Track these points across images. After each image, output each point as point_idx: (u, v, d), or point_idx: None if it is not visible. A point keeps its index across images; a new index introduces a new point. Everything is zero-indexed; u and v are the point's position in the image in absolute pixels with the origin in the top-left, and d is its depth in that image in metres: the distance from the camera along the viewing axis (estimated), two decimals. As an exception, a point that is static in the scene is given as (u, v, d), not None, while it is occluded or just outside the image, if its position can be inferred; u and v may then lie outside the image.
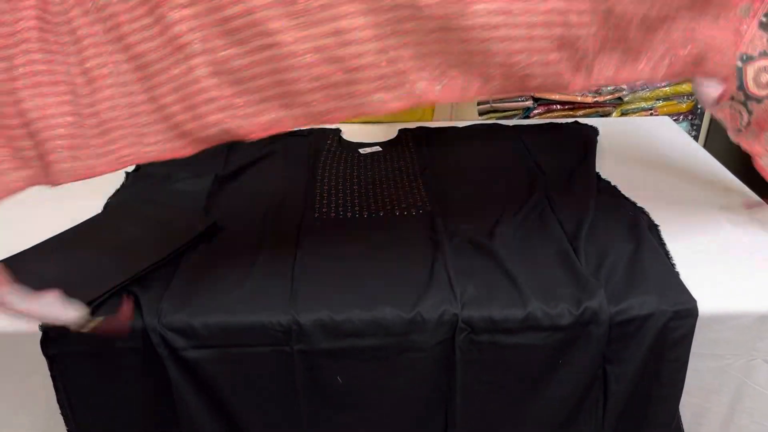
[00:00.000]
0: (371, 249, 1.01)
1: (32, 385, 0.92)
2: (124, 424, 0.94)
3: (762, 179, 1.08)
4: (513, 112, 2.11)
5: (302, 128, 1.45)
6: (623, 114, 2.22)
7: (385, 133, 1.41)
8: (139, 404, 0.93)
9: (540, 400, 0.93)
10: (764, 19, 0.89)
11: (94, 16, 0.74)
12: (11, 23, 0.74)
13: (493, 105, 2.18)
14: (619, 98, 2.22)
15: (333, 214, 1.11)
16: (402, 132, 1.41)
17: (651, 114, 2.19)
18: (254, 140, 0.77)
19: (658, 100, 2.24)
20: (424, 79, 0.74)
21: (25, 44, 0.74)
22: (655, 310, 0.88)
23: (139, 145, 0.77)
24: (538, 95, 2.22)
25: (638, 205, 1.12)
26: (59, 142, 0.76)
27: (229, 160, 1.29)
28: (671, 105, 2.26)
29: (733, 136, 1.01)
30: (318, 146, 1.35)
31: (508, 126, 1.44)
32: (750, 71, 0.90)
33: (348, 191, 1.18)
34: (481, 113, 2.08)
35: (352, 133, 1.42)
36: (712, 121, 2.65)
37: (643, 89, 2.20)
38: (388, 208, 1.13)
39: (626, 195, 1.16)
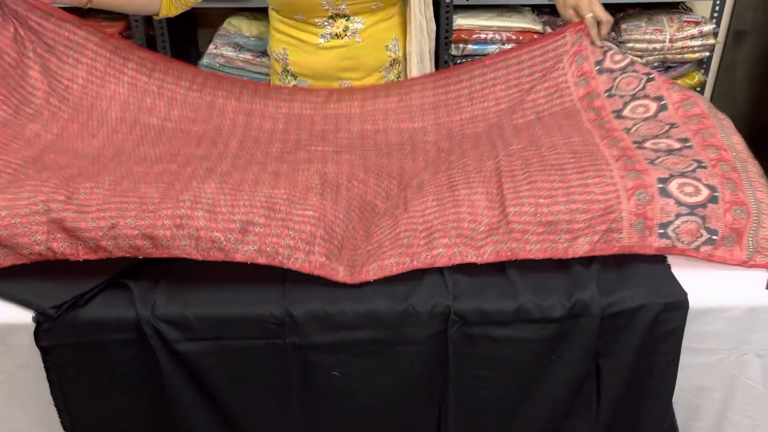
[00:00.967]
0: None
1: (26, 377, 0.92)
2: (118, 416, 0.95)
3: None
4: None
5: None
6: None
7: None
8: (133, 396, 0.93)
9: (533, 394, 0.93)
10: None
11: None
12: None
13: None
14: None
15: (327, 208, 1.11)
16: None
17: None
18: None
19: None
20: None
21: None
22: (646, 303, 0.89)
23: None
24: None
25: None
26: None
27: (223, 154, 1.29)
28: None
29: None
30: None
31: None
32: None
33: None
34: None
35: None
36: (708, 117, 2.66)
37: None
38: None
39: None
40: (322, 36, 1.41)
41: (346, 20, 1.40)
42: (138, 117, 1.21)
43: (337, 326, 0.88)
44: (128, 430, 0.97)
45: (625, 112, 1.12)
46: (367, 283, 0.91)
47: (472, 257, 0.91)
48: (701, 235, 0.91)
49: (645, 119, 1.10)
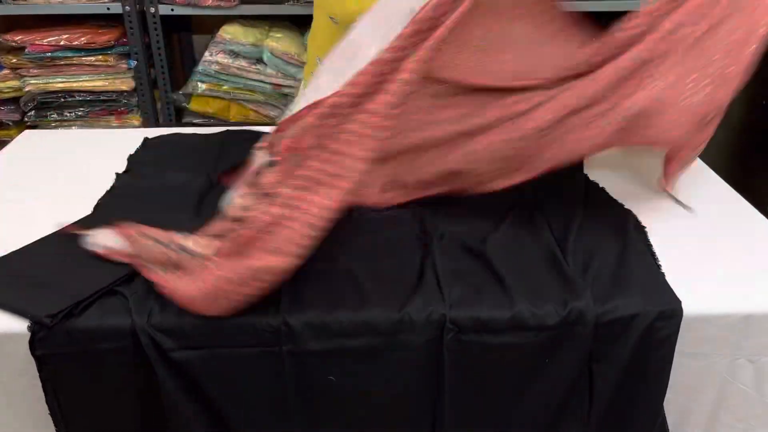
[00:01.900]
0: (360, 249, 1.01)
1: (21, 387, 0.91)
2: (113, 425, 0.94)
3: (750, 181, 1.09)
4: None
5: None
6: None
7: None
8: (128, 405, 0.93)
9: (526, 400, 0.93)
10: None
11: None
12: None
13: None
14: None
15: (323, 216, 1.11)
16: None
17: (640, 116, 2.20)
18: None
19: (647, 102, 2.25)
20: None
21: None
22: (640, 311, 0.89)
23: None
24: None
25: (625, 207, 1.13)
26: None
27: (220, 160, 1.29)
28: (661, 107, 2.27)
29: None
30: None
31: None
32: None
33: (338, 192, 1.18)
34: None
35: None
36: (701, 124, 2.67)
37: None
38: (378, 208, 1.13)
39: (614, 197, 1.17)
40: None
41: None
42: None
43: (333, 334, 0.88)
44: (124, 439, 0.97)
45: None
46: (362, 291, 0.91)
47: None
48: None
49: None
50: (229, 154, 1.32)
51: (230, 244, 0.90)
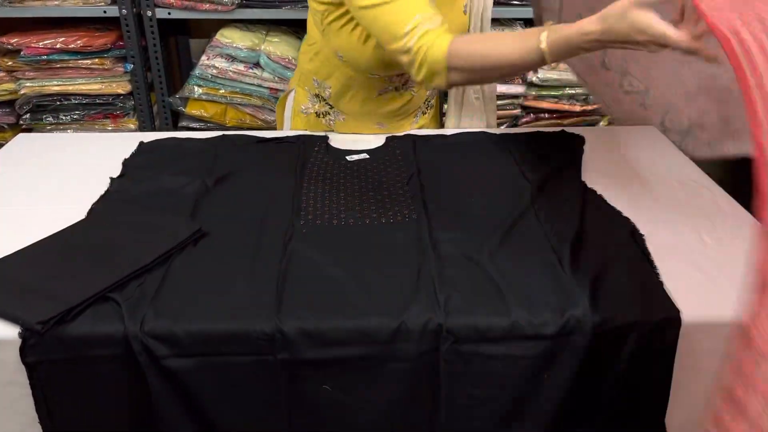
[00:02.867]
0: (356, 257, 1.01)
1: (11, 394, 0.90)
2: (104, 433, 0.93)
3: (747, 189, 1.09)
4: (501, 120, 2.12)
5: (289, 134, 1.45)
6: (610, 123, 2.24)
7: (373, 140, 1.41)
8: (120, 413, 0.92)
9: (525, 409, 0.92)
10: None
11: None
12: None
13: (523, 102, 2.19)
14: (607, 107, 2.23)
15: (319, 222, 1.11)
16: (389, 140, 1.41)
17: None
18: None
19: (645, 109, 2.25)
20: None
21: None
22: (638, 320, 0.88)
23: None
24: (526, 104, 2.24)
25: (623, 214, 1.13)
26: None
27: (215, 165, 1.28)
28: (658, 114, 2.27)
29: None
30: (305, 153, 1.34)
31: (495, 134, 1.44)
32: None
33: (335, 198, 1.18)
34: (508, 117, 2.07)
35: (339, 140, 1.41)
36: (699, 131, 2.68)
37: (630, 99, 2.21)
38: (374, 215, 1.13)
39: (612, 204, 1.16)
40: (384, 89, 1.36)
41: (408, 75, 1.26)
42: None
43: (329, 343, 0.87)
44: (115, 447, 0.95)
45: None
46: (358, 299, 0.90)
47: None
48: None
49: None
50: (225, 159, 1.32)
51: None
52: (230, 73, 2.14)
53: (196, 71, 2.16)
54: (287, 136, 1.43)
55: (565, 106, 2.19)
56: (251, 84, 2.15)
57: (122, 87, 2.15)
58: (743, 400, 0.61)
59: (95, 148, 1.41)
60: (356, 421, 0.92)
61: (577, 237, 1.04)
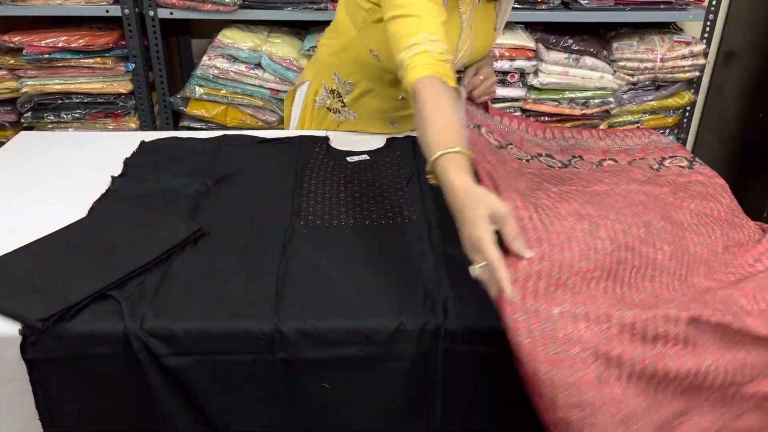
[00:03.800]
0: (356, 258, 1.01)
1: (11, 391, 0.91)
2: (103, 430, 0.94)
3: (748, 194, 1.09)
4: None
5: (290, 135, 1.45)
6: (610, 126, 2.24)
7: (373, 142, 1.41)
8: (119, 411, 0.92)
9: (521, 410, 0.93)
10: None
11: None
12: None
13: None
14: (607, 111, 2.24)
15: (319, 222, 1.11)
16: (389, 141, 1.41)
17: (638, 127, 2.22)
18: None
19: (644, 113, 2.26)
20: None
21: None
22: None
23: None
24: (526, 107, 2.24)
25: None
26: None
27: (216, 165, 1.29)
28: (658, 118, 2.29)
29: None
30: (306, 154, 1.35)
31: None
32: None
33: (335, 200, 1.18)
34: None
35: (340, 141, 1.42)
36: (698, 136, 2.69)
37: (630, 103, 2.22)
38: (374, 217, 1.13)
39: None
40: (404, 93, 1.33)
41: None
42: None
43: (327, 342, 0.88)
44: (114, 445, 0.96)
45: None
46: (357, 299, 0.91)
47: None
48: None
49: None
50: (226, 159, 1.32)
51: None
52: (231, 74, 2.14)
53: (198, 71, 2.16)
54: (288, 137, 1.43)
55: (565, 109, 2.20)
56: (252, 84, 2.16)
57: (124, 86, 2.15)
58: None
59: (97, 147, 1.42)
60: (353, 418, 0.92)
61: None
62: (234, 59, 2.14)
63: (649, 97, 2.21)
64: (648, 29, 2.20)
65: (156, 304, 0.90)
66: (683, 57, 2.13)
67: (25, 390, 0.90)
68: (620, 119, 2.25)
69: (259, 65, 2.15)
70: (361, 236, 1.07)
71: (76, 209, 1.13)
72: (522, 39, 2.12)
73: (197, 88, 2.19)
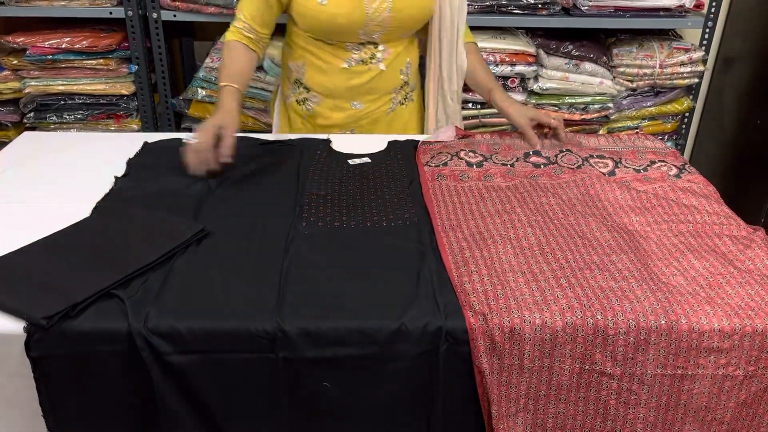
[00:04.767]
0: (358, 259, 1.02)
1: (15, 388, 0.91)
2: (107, 428, 0.94)
3: (744, 200, 1.10)
4: (501, 128, 2.14)
5: (292, 137, 1.46)
6: (610, 132, 2.26)
7: (374, 144, 1.42)
8: (122, 408, 0.93)
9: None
10: None
11: None
12: None
13: (482, 120, 2.21)
14: (606, 116, 2.25)
15: (321, 224, 1.12)
16: (391, 144, 1.43)
17: (637, 133, 2.23)
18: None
19: (643, 119, 2.27)
20: None
21: None
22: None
23: None
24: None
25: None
26: None
27: (219, 167, 1.30)
28: (657, 124, 2.30)
29: None
30: (308, 156, 1.36)
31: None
32: None
33: (337, 201, 1.19)
34: (468, 128, 2.10)
35: (341, 143, 1.43)
36: (696, 142, 2.70)
37: (629, 108, 2.23)
38: (376, 218, 1.14)
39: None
40: (347, 61, 1.43)
41: (375, 48, 1.43)
42: None
43: (329, 342, 0.89)
44: (116, 443, 0.96)
45: None
46: (358, 299, 0.92)
47: None
48: None
49: None
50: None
51: None
52: (234, 76, 2.15)
53: (200, 73, 2.17)
54: (290, 140, 1.45)
55: (565, 114, 2.21)
56: (254, 87, 2.17)
57: (126, 88, 2.16)
58: None
59: (99, 147, 1.43)
60: (354, 417, 0.93)
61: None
62: (236, 62, 2.15)
63: (648, 103, 2.23)
64: (647, 36, 2.22)
65: (159, 303, 0.91)
66: (682, 63, 2.15)
67: (28, 387, 0.90)
68: (619, 125, 2.26)
69: (261, 68, 2.16)
70: (362, 237, 1.08)
71: (79, 209, 1.13)
72: (523, 44, 2.13)
73: (199, 90, 2.20)
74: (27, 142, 1.47)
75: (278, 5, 1.42)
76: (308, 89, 1.50)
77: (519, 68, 2.14)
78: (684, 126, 2.34)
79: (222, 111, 1.28)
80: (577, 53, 2.12)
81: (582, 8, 2.08)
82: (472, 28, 2.11)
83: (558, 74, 2.15)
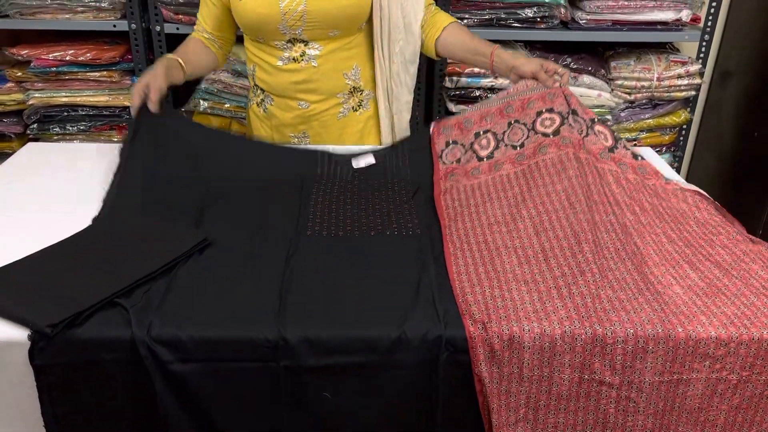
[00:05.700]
0: (359, 267, 1.03)
1: (18, 396, 0.92)
2: (109, 436, 0.95)
3: (743, 211, 1.12)
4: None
5: (297, 148, 1.47)
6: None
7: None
8: (125, 417, 0.93)
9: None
10: None
11: None
12: None
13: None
14: (605, 128, 2.27)
15: (325, 233, 1.13)
16: (393, 144, 1.44)
17: (635, 144, 2.25)
18: None
19: (642, 131, 2.29)
20: None
21: None
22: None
23: None
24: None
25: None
26: None
27: (221, 172, 1.29)
28: (654, 136, 2.31)
29: None
30: (312, 164, 1.36)
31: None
32: None
33: (341, 210, 1.20)
34: None
35: (340, 149, 1.43)
36: (694, 154, 2.72)
37: (627, 120, 2.25)
38: (380, 228, 1.15)
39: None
40: (281, 59, 1.48)
41: (304, 45, 1.46)
42: None
43: (330, 350, 0.89)
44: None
45: None
46: (359, 308, 0.93)
47: None
48: None
49: None
50: (231, 167, 1.32)
51: None
52: (236, 88, 2.17)
53: (202, 85, 2.19)
54: (294, 147, 1.46)
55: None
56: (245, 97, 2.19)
57: (129, 99, 2.18)
58: None
59: (102, 158, 1.44)
60: (355, 425, 0.93)
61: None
62: (238, 74, 2.17)
63: (646, 116, 2.25)
64: (645, 49, 2.24)
65: (162, 311, 0.92)
66: (679, 76, 2.17)
67: (30, 395, 0.91)
68: (618, 137, 2.28)
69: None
70: (365, 246, 1.09)
71: (82, 219, 1.14)
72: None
73: (201, 101, 2.21)
74: (30, 153, 1.48)
75: (221, 6, 1.50)
76: (263, 90, 1.56)
77: (518, 81, 2.16)
78: (682, 138, 2.36)
79: (148, 73, 1.37)
80: (575, 66, 2.14)
81: (580, 22, 2.10)
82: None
83: (557, 87, 2.16)
